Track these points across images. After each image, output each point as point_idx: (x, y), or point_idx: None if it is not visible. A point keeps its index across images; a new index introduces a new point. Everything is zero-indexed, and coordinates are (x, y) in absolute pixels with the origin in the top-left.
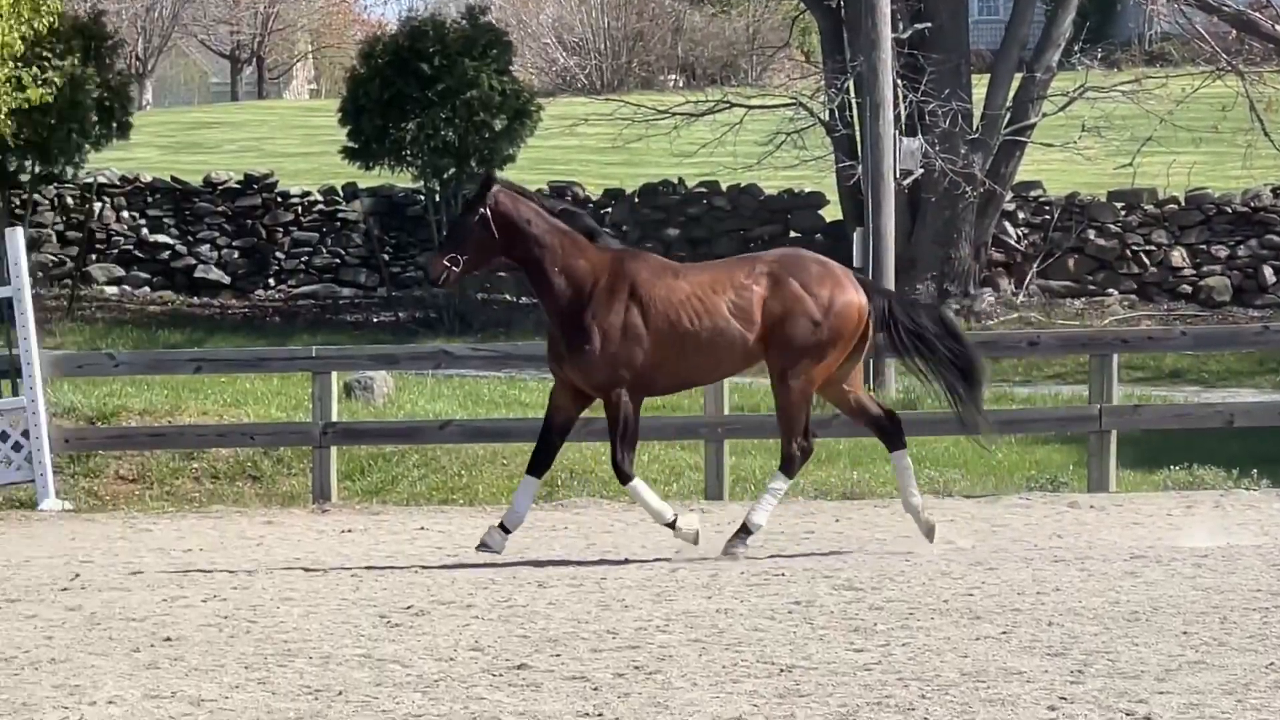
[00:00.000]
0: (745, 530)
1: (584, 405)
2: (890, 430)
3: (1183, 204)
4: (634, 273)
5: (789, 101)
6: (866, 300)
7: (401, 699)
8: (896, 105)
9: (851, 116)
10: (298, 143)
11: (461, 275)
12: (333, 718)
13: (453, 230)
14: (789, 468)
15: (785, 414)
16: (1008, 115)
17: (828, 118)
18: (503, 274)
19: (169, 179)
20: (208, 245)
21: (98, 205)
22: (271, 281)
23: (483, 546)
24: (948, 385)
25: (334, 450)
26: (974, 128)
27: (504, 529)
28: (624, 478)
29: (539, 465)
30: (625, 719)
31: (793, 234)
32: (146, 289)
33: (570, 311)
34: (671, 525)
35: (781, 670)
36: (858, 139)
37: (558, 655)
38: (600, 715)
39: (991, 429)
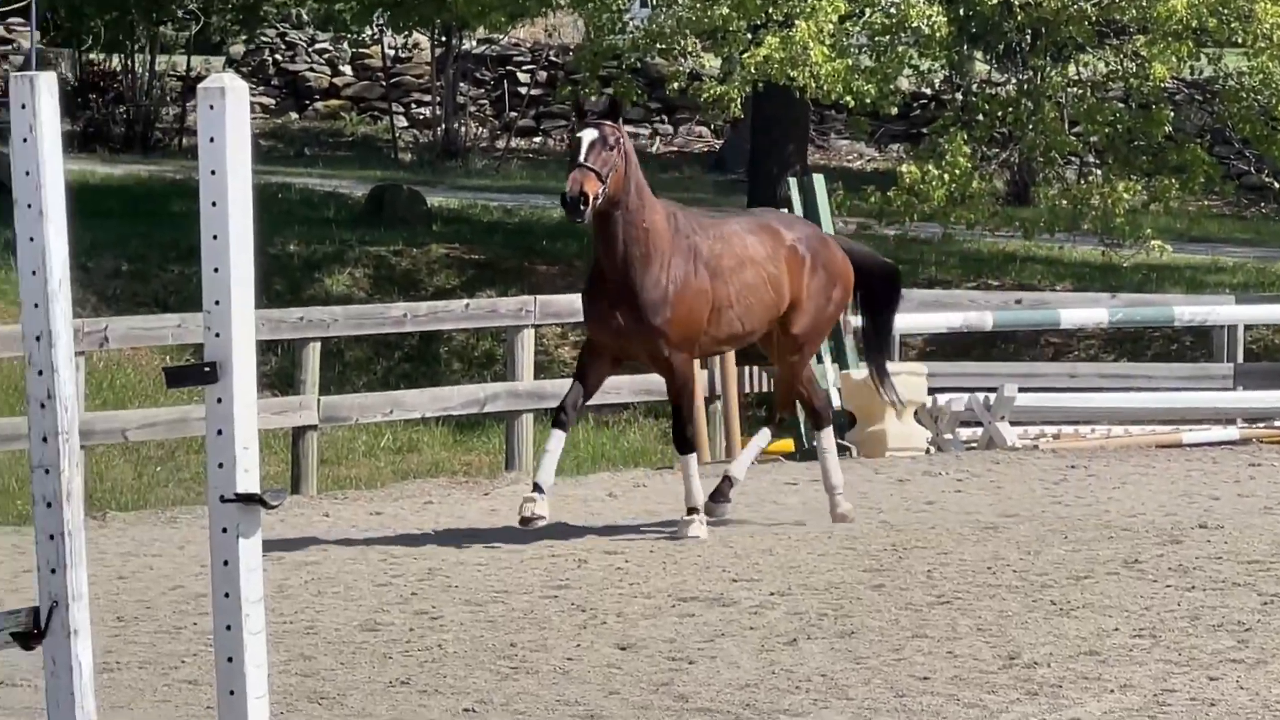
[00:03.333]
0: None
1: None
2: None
3: None
4: (687, 231)
5: None
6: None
7: None
8: None
9: None
10: None
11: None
12: None
13: (592, 153)
14: (819, 420)
15: (804, 381)
16: None
17: None
18: None
19: None
20: None
21: None
22: None
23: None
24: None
25: None
26: None
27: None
28: (685, 446)
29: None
30: None
31: None
32: None
33: (646, 266)
34: (693, 510)
35: None
36: None
37: None
38: None
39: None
